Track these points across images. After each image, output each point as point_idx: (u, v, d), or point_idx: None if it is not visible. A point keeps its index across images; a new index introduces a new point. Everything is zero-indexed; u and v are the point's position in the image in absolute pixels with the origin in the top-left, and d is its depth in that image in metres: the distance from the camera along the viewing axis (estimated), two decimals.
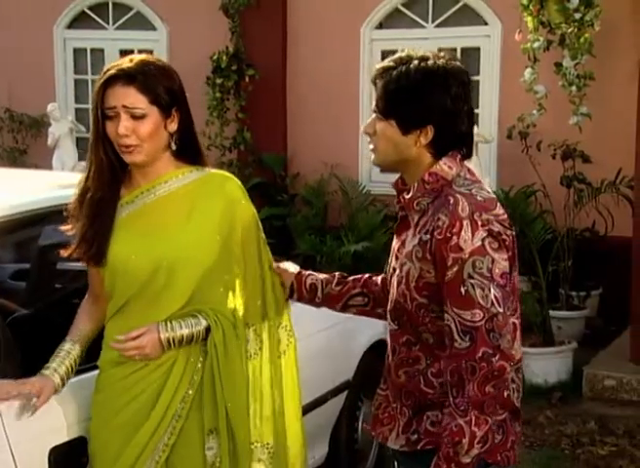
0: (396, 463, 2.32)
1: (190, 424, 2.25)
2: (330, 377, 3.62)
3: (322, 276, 2.48)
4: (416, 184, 2.08)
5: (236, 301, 2.32)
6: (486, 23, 7.29)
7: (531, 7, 6.13)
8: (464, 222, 1.96)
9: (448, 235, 1.96)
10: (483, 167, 6.69)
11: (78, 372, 2.34)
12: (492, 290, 1.95)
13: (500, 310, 1.96)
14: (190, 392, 2.24)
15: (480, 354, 1.94)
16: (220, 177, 2.32)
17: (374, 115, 2.11)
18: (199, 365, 2.26)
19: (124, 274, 2.23)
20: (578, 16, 5.98)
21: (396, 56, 2.11)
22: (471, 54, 7.37)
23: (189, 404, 2.24)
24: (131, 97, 2.17)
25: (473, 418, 1.94)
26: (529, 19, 6.20)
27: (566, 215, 6.18)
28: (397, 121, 2.05)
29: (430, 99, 2.03)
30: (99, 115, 2.20)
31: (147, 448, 2.23)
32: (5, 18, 8.99)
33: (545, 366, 5.47)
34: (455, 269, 1.95)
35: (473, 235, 1.95)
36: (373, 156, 2.15)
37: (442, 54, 2.11)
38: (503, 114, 7.06)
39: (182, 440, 2.25)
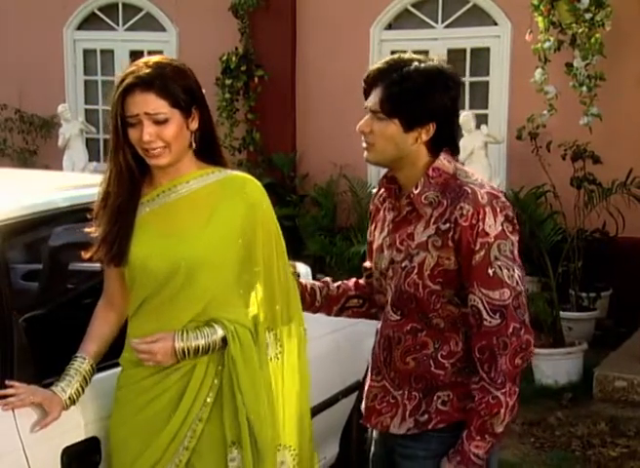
0: (378, 450, 2.41)
1: (211, 428, 2.24)
2: (340, 378, 3.62)
3: (317, 282, 2.56)
4: (422, 179, 2.20)
5: (257, 305, 2.30)
6: (496, 24, 7.28)
7: (541, 7, 6.13)
8: (487, 209, 2.12)
9: (474, 222, 2.11)
10: (493, 167, 6.69)
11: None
12: (515, 270, 2.13)
13: (523, 288, 2.15)
14: (211, 394, 2.24)
15: (511, 330, 2.10)
16: (240, 180, 2.30)
17: (369, 114, 2.20)
18: (220, 367, 2.25)
19: (142, 272, 2.24)
20: (588, 16, 5.98)
21: (388, 58, 2.22)
22: (481, 54, 7.37)
23: (210, 407, 2.24)
24: (152, 104, 2.16)
25: (508, 389, 2.11)
26: (539, 19, 6.20)
27: (576, 216, 6.17)
28: (401, 120, 2.16)
29: (433, 99, 2.15)
30: (119, 123, 2.19)
31: (168, 451, 2.23)
32: (15, 19, 9.03)
33: (556, 367, 5.45)
34: (482, 253, 2.11)
35: (495, 220, 2.12)
36: (366, 153, 2.23)
37: (431, 56, 2.25)
38: (513, 115, 7.05)
39: (203, 443, 2.24)
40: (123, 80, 2.18)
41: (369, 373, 2.42)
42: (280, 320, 2.31)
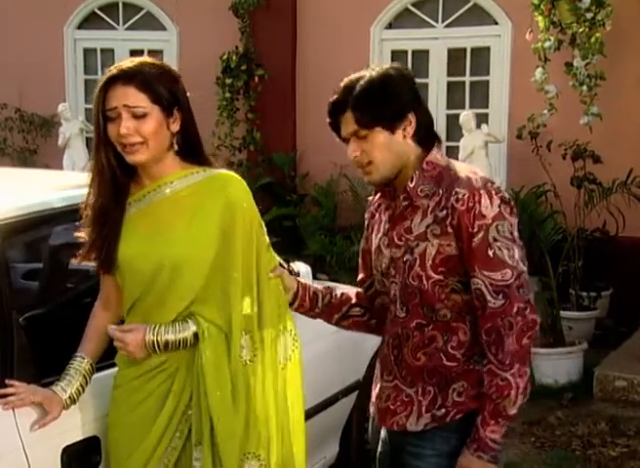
0: (381, 447, 2.43)
1: None
2: (340, 377, 3.62)
3: (320, 286, 2.55)
4: (417, 173, 2.24)
5: (234, 307, 2.23)
6: (496, 23, 7.27)
7: (542, 6, 6.13)
8: (482, 192, 2.15)
9: (470, 204, 2.14)
10: (493, 167, 6.68)
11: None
12: (515, 250, 2.16)
13: (524, 268, 2.16)
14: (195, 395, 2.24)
15: (515, 309, 2.12)
16: (224, 178, 2.28)
17: (351, 140, 2.23)
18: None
19: (130, 272, 2.25)
20: (589, 15, 5.98)
21: (339, 88, 2.28)
22: (481, 53, 7.36)
23: None
24: (131, 97, 2.17)
25: (517, 370, 2.12)
26: (540, 18, 6.20)
27: (576, 216, 6.17)
28: (382, 124, 2.20)
29: (401, 92, 2.22)
30: (100, 118, 2.19)
31: (156, 451, 2.23)
32: (16, 18, 9.02)
33: (556, 366, 5.45)
34: (480, 235, 2.13)
35: (491, 202, 2.15)
36: (368, 177, 2.26)
37: (376, 63, 2.32)
38: (514, 114, 7.04)
39: (190, 443, 2.24)
40: (105, 75, 2.21)
41: (377, 375, 2.42)
42: (257, 322, 2.25)
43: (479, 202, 2.13)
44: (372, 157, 2.22)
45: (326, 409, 3.42)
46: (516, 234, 2.17)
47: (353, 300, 2.52)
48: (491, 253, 2.13)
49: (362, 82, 2.21)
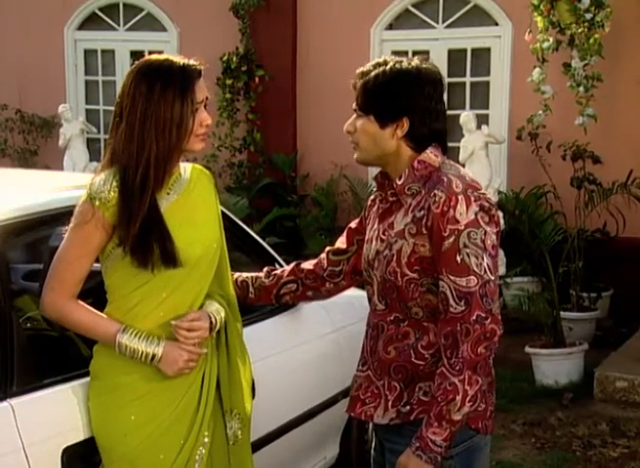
0: (375, 441, 2.45)
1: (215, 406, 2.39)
2: (341, 378, 3.61)
3: (249, 273, 2.67)
4: (406, 171, 2.26)
5: (229, 278, 2.51)
6: (496, 24, 7.28)
7: (541, 7, 6.14)
8: (459, 197, 2.16)
9: (445, 208, 2.15)
10: (493, 168, 6.69)
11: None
12: (485, 258, 2.15)
13: (492, 277, 2.16)
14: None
15: (474, 317, 2.12)
16: (202, 169, 2.46)
17: (354, 115, 2.29)
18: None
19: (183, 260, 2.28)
20: (588, 16, 5.98)
21: (374, 61, 2.31)
22: (482, 54, 7.37)
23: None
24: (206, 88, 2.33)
25: (467, 377, 2.12)
26: (539, 19, 6.20)
27: (577, 216, 6.17)
28: (375, 116, 2.24)
29: (404, 95, 2.23)
30: (188, 113, 2.25)
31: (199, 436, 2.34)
32: (16, 19, 9.03)
33: (556, 367, 5.45)
34: (451, 239, 2.14)
35: (467, 209, 2.15)
36: (355, 154, 2.32)
37: (416, 57, 2.32)
38: (514, 115, 7.05)
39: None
40: (187, 68, 2.34)
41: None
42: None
43: (454, 207, 2.14)
44: (358, 139, 2.28)
45: (326, 409, 3.42)
46: (489, 243, 2.16)
47: (284, 279, 2.61)
48: (459, 258, 2.13)
49: (377, 71, 2.24)
